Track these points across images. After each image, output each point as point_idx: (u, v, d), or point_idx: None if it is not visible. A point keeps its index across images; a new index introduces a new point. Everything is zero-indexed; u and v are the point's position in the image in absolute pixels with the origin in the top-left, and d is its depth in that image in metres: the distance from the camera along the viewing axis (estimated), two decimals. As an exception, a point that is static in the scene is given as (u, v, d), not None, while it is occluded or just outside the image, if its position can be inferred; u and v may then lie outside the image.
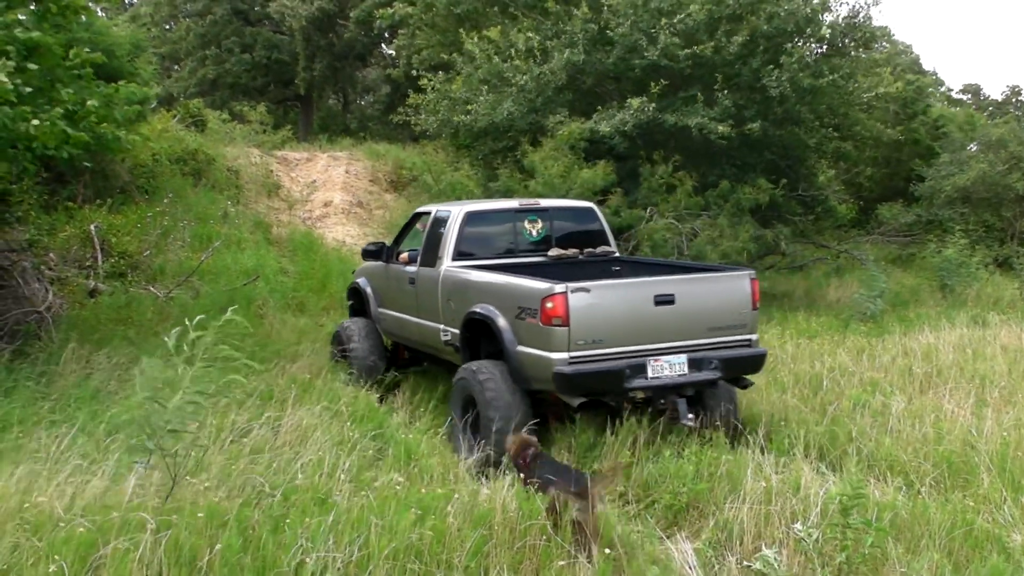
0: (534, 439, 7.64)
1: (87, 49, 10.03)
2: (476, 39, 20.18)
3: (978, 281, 20.03)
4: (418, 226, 12.01)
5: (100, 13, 24.18)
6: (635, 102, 17.42)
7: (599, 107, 18.67)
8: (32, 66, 8.76)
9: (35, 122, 8.36)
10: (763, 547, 6.46)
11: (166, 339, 6.57)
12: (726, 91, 17.78)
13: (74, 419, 7.79)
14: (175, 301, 13.09)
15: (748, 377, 9.58)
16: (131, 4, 45.48)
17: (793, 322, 15.70)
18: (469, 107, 19.70)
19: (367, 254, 12.60)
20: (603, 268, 11.06)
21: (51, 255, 13.45)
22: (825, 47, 19.62)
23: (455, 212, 10.87)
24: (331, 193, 24.30)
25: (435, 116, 21.22)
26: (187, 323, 6.30)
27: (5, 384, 8.86)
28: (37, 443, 7.12)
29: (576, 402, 8.61)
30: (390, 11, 26.25)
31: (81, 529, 5.48)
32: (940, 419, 9.57)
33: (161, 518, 5.65)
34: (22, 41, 8.56)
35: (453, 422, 9.31)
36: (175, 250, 15.89)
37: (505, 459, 7.71)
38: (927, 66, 59.65)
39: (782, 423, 9.70)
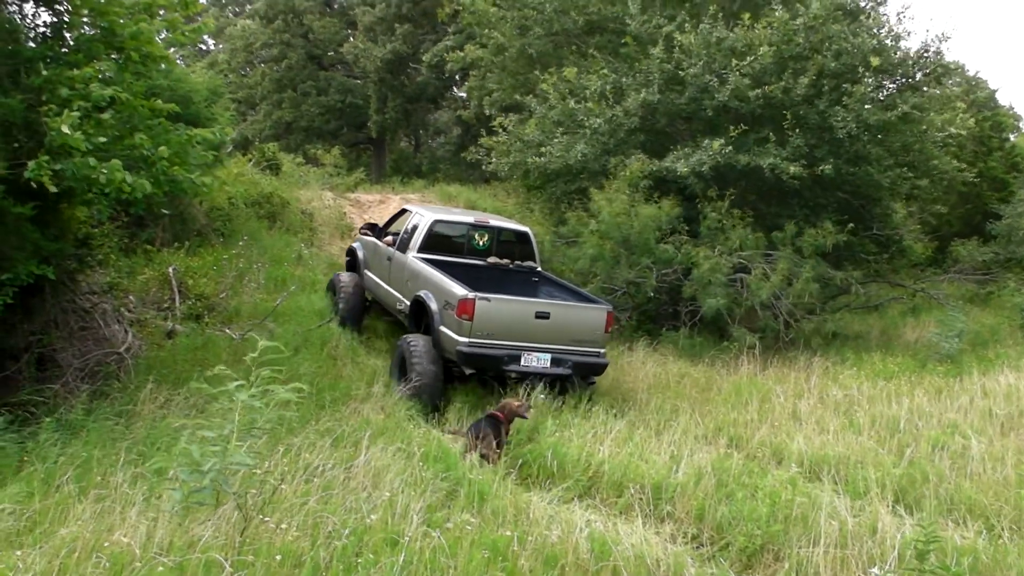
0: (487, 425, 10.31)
1: (160, 100, 10.27)
2: (552, 78, 20.35)
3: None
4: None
5: (179, 61, 24.77)
6: (715, 144, 17.41)
7: (671, 147, 18.66)
8: (106, 116, 8.97)
9: (103, 169, 8.55)
10: (839, 592, 6.38)
11: (202, 383, 6.69)
12: (797, 130, 17.66)
13: (150, 458, 7.90)
14: (249, 342, 13.19)
15: (593, 377, 12.85)
16: (208, 51, 46.51)
17: (868, 363, 15.46)
18: (543, 149, 19.83)
19: (364, 230, 16.73)
20: (525, 278, 14.82)
21: (130, 297, 13.68)
22: (898, 81, 19.44)
23: (427, 217, 14.59)
24: (404, 235, 24.47)
25: (507, 158, 21.37)
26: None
27: (86, 424, 8.99)
28: (115, 482, 7.23)
29: (468, 372, 12.23)
30: (461, 55, 26.54)
31: (160, 568, 5.55)
32: (1022, 462, 9.37)
33: (237, 558, 5.72)
34: (96, 97, 8.76)
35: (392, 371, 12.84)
36: (250, 292, 16.09)
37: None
38: (1003, 100, 58.79)
39: (858, 465, 9.57)
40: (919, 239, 23.47)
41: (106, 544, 5.93)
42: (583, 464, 9.35)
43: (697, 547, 7.74)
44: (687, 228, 17.82)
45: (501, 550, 6.39)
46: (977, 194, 28.97)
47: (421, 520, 6.88)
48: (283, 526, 6.38)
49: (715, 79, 17.92)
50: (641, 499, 8.48)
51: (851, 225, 18.52)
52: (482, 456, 9.54)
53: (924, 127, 19.33)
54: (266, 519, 6.40)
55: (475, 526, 6.96)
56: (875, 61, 17.49)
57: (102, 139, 8.73)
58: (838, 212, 19.40)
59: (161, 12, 10.16)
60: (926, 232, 26.34)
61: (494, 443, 9.88)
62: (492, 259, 14.73)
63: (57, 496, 6.96)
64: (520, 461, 9.60)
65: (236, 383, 6.23)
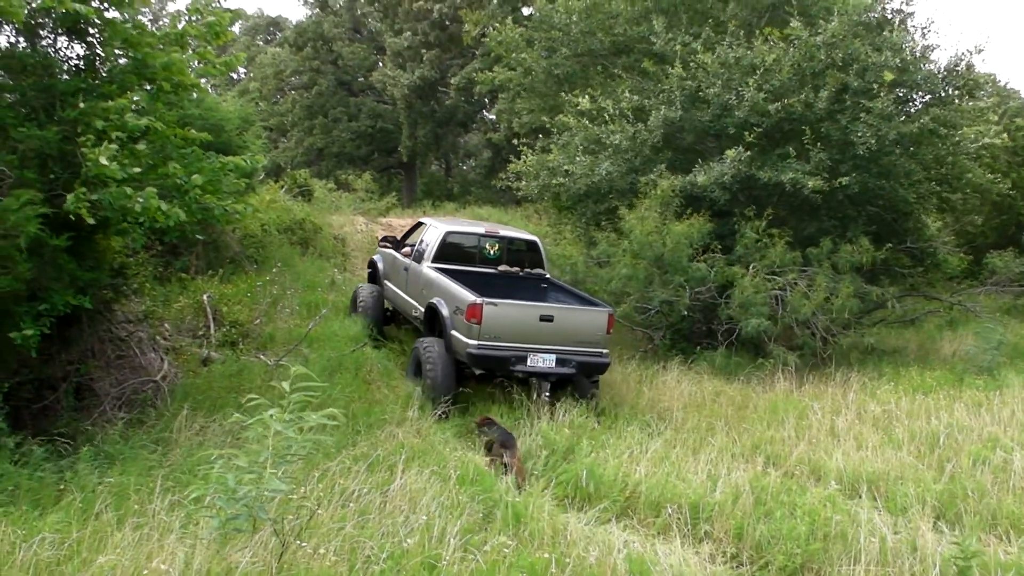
0: (492, 417, 11.45)
1: (193, 129, 10.39)
2: (571, 102, 20.37)
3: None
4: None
5: (210, 90, 24.98)
6: (731, 153, 17.41)
7: (699, 163, 18.59)
8: (141, 147, 9.07)
9: (139, 198, 8.63)
10: (882, 610, 6.30)
11: (239, 412, 6.68)
12: (819, 144, 17.56)
13: (187, 486, 7.92)
14: (284, 369, 13.22)
15: (596, 376, 13.48)
16: (239, 79, 46.92)
17: (906, 377, 15.31)
18: (566, 168, 19.83)
19: (383, 243, 17.39)
20: (534, 284, 15.48)
21: (166, 325, 13.79)
22: (928, 96, 19.27)
23: (440, 228, 15.34)
24: (436, 258, 24.50)
25: (536, 181, 21.39)
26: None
27: (123, 452, 9.04)
28: (152, 510, 7.25)
29: (478, 372, 12.91)
30: (490, 75, 26.61)
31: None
32: (1065, 475, 9.26)
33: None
34: (132, 127, 8.86)
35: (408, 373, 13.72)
36: (284, 318, 16.16)
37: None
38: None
39: (898, 481, 9.48)
40: (954, 252, 23.20)
41: (145, 572, 5.95)
42: (620, 484, 9.30)
43: (736, 567, 7.68)
44: (720, 245, 17.74)
45: (539, 572, 6.37)
46: (1011, 205, 28.68)
47: (458, 543, 6.87)
48: (320, 551, 6.39)
49: (734, 96, 17.91)
50: (679, 519, 8.43)
51: (888, 245, 18.40)
52: (505, 465, 9.78)
53: (957, 139, 19.14)
54: (303, 544, 6.41)
55: (512, 548, 6.95)
56: (888, 76, 17.33)
57: (136, 169, 8.82)
58: (869, 225, 19.27)
59: (192, 43, 10.27)
60: (961, 244, 26.09)
61: (519, 453, 10.12)
62: (503, 267, 15.49)
63: (96, 524, 6.98)
64: (552, 479, 9.56)
65: (270, 410, 6.24)
